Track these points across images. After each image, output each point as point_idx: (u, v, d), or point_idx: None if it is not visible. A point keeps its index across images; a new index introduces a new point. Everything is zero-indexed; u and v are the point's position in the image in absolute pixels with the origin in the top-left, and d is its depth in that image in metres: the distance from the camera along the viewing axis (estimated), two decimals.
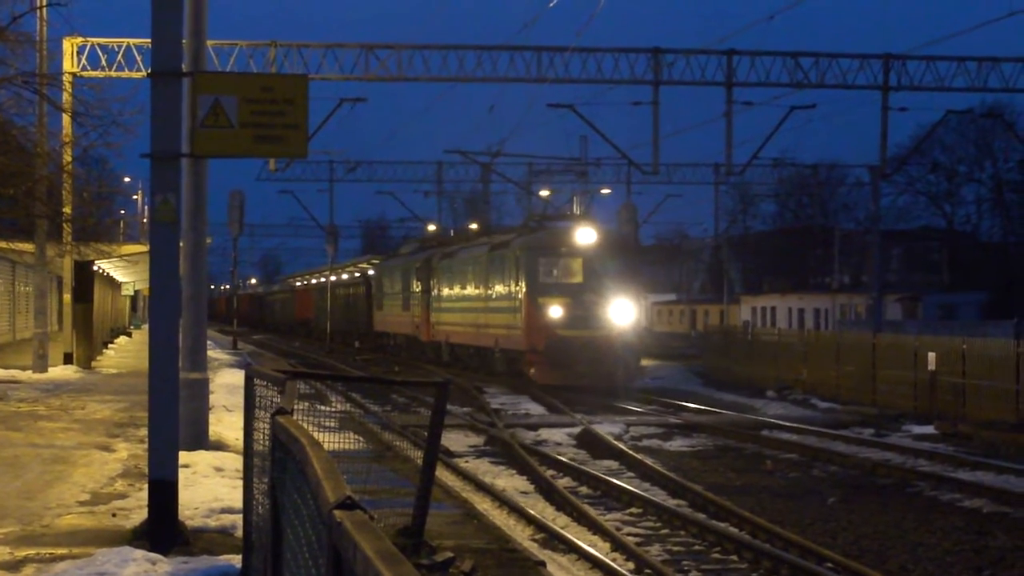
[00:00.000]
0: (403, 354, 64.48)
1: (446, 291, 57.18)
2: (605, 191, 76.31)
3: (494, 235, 56.02)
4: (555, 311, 41.45)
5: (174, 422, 15.60)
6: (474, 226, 70.07)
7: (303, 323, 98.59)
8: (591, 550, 18.16)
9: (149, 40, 17.04)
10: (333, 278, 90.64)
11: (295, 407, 13.25)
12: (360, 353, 76.63)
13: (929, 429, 34.34)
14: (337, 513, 4.84)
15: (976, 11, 69.69)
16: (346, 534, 4.50)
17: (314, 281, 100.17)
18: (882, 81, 55.77)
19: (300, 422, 15.92)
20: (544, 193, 72.56)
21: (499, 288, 46.90)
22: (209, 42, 27.03)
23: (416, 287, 62.77)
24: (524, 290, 42.90)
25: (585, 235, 42.69)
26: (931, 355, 38.67)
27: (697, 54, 56.25)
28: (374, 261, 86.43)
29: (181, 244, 18.86)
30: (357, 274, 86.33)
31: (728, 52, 54.44)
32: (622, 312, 42.01)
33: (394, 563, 3.82)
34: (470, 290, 52.64)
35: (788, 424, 35.64)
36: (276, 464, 9.05)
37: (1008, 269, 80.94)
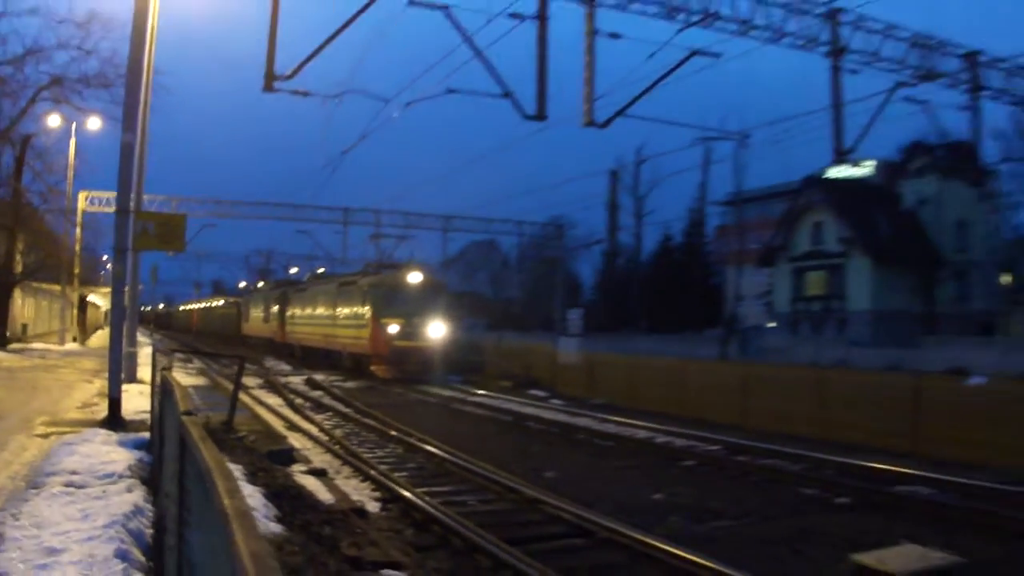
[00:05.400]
0: (260, 350, 64.58)
1: (299, 312, 57.33)
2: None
3: (335, 278, 55.14)
4: (393, 328, 41.44)
5: (120, 370, 19.19)
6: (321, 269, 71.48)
7: (195, 329, 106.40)
8: (309, 430, 22.77)
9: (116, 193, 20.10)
10: (214, 304, 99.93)
11: (174, 365, 18.15)
12: (198, 339, 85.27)
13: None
14: (183, 417, 6.12)
15: None
16: (185, 427, 5.63)
17: (202, 305, 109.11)
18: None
19: (176, 372, 21.84)
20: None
21: (347, 312, 46.34)
22: (144, 195, 30.24)
23: (274, 310, 63.19)
24: (370, 313, 42.43)
25: (414, 276, 42.76)
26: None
27: (476, 220, 66.55)
28: (229, 299, 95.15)
29: (127, 288, 22.21)
30: (229, 300, 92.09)
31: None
32: (437, 330, 42.07)
33: (204, 440, 4.96)
34: (320, 312, 52.04)
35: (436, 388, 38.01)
36: (162, 392, 10.70)
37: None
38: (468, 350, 49.07)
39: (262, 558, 2.51)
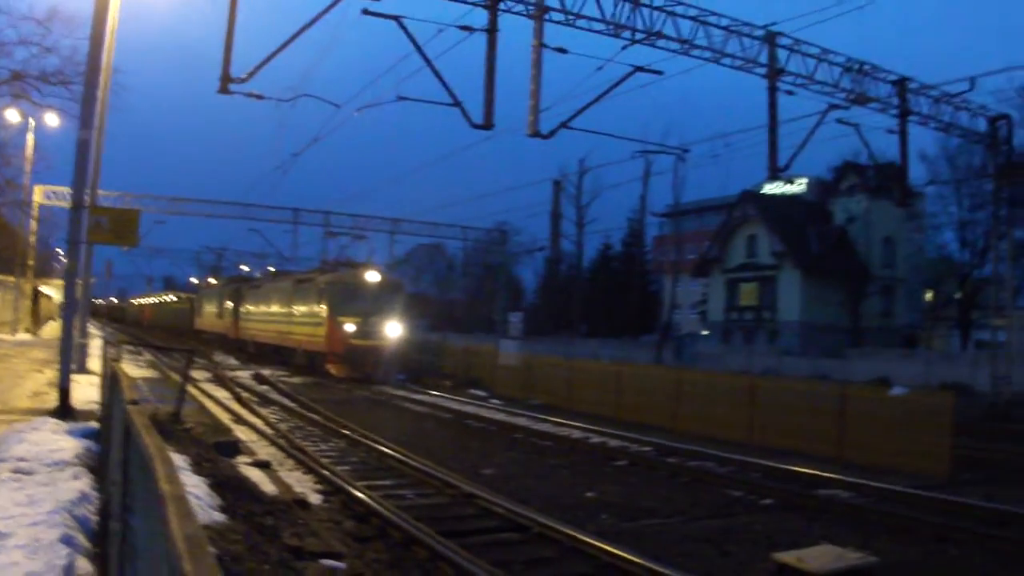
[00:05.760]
0: (214, 344, 63.34)
1: (253, 309, 55.60)
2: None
3: (290, 275, 52.77)
4: (350, 327, 39.93)
5: (70, 361, 19.01)
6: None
7: (148, 323, 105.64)
8: (255, 423, 22.91)
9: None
10: (167, 298, 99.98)
11: (125, 357, 18.10)
12: (150, 333, 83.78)
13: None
14: (128, 406, 6.34)
15: None
16: (129, 415, 5.84)
17: (156, 299, 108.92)
18: None
19: (127, 364, 21.56)
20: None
21: (303, 309, 44.48)
22: (100, 191, 28.61)
23: (228, 305, 61.89)
24: (327, 311, 40.77)
25: (372, 275, 41.39)
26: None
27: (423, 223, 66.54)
28: (181, 294, 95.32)
29: (79, 281, 22.23)
30: (182, 296, 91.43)
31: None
32: (393, 329, 40.67)
33: (147, 428, 5.07)
34: (275, 309, 50.14)
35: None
36: (112, 383, 11.49)
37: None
38: (424, 350, 48.52)
39: (196, 540, 2.52)
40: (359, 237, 54.50)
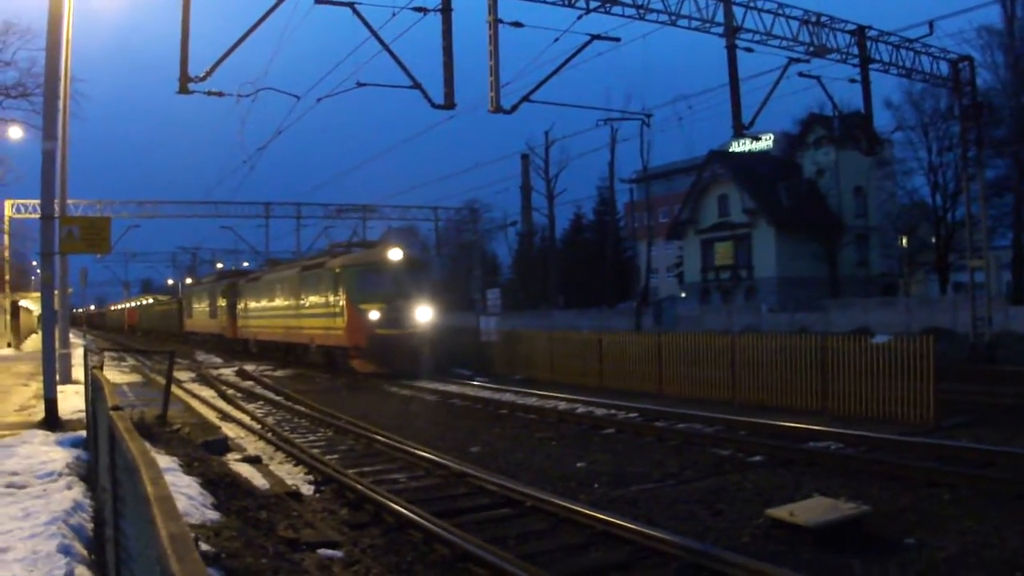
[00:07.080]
0: (207, 345, 61.10)
1: (252, 304, 50.75)
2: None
3: (295, 263, 48.81)
4: (374, 315, 35.18)
5: (54, 372, 19.24)
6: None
7: (131, 327, 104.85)
8: (242, 419, 23.05)
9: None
10: (151, 301, 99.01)
11: (108, 364, 18.08)
12: (135, 339, 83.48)
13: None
14: (111, 412, 6.33)
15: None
16: (113, 421, 5.81)
17: (139, 303, 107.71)
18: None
19: (110, 370, 21.44)
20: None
21: (315, 299, 39.82)
22: (69, 200, 28.39)
23: (222, 303, 57.34)
24: (345, 299, 36.24)
25: (394, 254, 36.56)
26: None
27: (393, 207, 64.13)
28: (162, 296, 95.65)
29: (56, 291, 22.18)
30: (166, 298, 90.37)
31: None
32: (423, 314, 35.78)
33: (130, 432, 5.10)
34: (280, 303, 45.28)
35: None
36: (94, 390, 11.25)
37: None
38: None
39: (182, 539, 2.57)
40: (369, 210, 52.07)
